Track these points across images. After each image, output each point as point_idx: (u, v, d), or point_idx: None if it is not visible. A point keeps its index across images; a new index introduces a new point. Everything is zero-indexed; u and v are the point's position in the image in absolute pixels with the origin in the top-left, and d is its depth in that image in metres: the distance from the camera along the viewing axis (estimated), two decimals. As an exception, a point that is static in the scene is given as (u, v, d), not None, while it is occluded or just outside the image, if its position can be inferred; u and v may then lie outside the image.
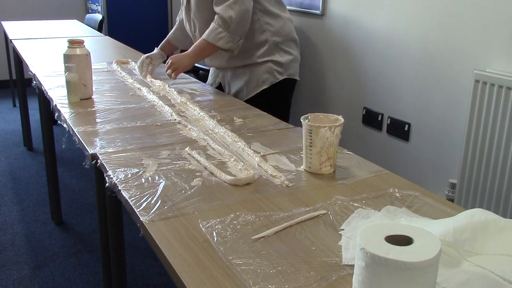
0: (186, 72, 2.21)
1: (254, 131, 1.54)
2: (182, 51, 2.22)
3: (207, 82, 2.40)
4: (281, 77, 2.11)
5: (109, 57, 2.65)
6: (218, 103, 1.85)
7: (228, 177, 1.17)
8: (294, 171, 1.24)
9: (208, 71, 3.72)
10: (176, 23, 2.36)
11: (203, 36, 1.97)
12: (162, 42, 2.34)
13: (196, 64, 3.77)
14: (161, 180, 1.16)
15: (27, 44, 2.99)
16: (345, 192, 1.13)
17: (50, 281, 2.10)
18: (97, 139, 1.42)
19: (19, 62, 3.32)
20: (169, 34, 2.37)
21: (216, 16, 1.93)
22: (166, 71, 2.02)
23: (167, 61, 2.04)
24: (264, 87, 2.11)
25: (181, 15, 2.30)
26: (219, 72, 2.30)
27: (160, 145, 1.39)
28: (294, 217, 1.00)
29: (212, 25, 1.94)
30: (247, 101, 2.01)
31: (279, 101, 2.15)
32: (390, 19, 2.69)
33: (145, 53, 2.26)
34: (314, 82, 3.41)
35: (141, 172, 1.21)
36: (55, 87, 1.97)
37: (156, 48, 2.28)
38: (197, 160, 1.29)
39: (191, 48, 2.03)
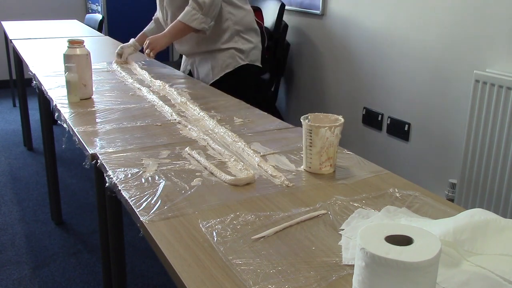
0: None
1: (254, 131, 1.54)
2: None
3: (180, 70, 2.62)
4: (242, 62, 2.36)
5: (109, 57, 2.65)
6: (218, 103, 1.85)
7: (228, 177, 1.17)
8: (294, 171, 1.24)
9: None
10: (153, 19, 2.59)
11: (179, 18, 2.20)
12: (138, 35, 2.56)
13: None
14: (161, 180, 1.16)
15: (27, 44, 2.99)
16: (345, 192, 1.13)
17: (50, 281, 2.10)
18: (97, 139, 1.42)
19: (19, 62, 3.32)
20: (145, 28, 2.59)
21: (190, 1, 2.18)
22: (145, 51, 2.25)
23: (145, 42, 2.26)
24: (228, 70, 2.34)
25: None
26: (188, 59, 2.53)
27: (160, 145, 1.39)
28: (294, 217, 1.00)
29: (187, 8, 2.18)
30: (213, 84, 2.25)
31: (242, 84, 2.39)
32: (390, 19, 2.69)
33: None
34: (314, 82, 3.41)
35: (141, 172, 1.21)
36: (55, 87, 1.97)
37: (132, 39, 2.51)
38: (197, 160, 1.29)
39: (167, 29, 2.26)
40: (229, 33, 2.32)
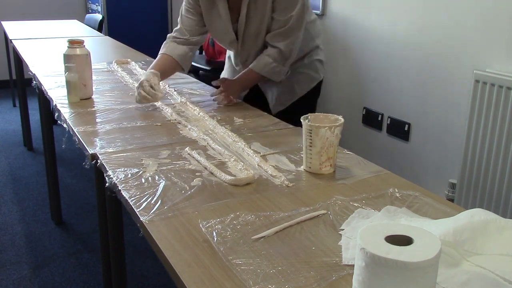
0: (188, 72, 2.15)
1: (254, 131, 1.54)
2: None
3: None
4: (322, 75, 2.11)
5: (109, 57, 2.65)
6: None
7: (228, 177, 1.17)
8: (294, 171, 1.24)
9: (208, 70, 3.72)
10: (175, 41, 1.91)
11: (255, 69, 1.86)
12: (162, 57, 1.88)
13: (196, 64, 3.78)
14: (161, 180, 1.16)
15: (27, 44, 2.99)
16: (345, 192, 1.13)
17: (50, 281, 2.10)
18: (97, 139, 1.42)
19: (19, 62, 3.32)
20: (170, 51, 1.88)
21: (272, 50, 1.84)
22: (219, 97, 1.84)
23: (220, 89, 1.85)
24: (312, 85, 2.08)
25: (199, 39, 1.94)
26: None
27: (160, 145, 1.39)
28: (294, 217, 1.00)
29: (266, 58, 1.84)
30: (298, 100, 2.01)
31: (315, 100, 2.16)
32: (390, 19, 2.69)
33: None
34: (314, 82, 3.40)
35: (141, 172, 1.21)
36: (55, 87, 1.97)
37: (150, 70, 1.80)
38: (197, 160, 1.29)
39: (241, 78, 1.90)
40: (312, 45, 2.03)
